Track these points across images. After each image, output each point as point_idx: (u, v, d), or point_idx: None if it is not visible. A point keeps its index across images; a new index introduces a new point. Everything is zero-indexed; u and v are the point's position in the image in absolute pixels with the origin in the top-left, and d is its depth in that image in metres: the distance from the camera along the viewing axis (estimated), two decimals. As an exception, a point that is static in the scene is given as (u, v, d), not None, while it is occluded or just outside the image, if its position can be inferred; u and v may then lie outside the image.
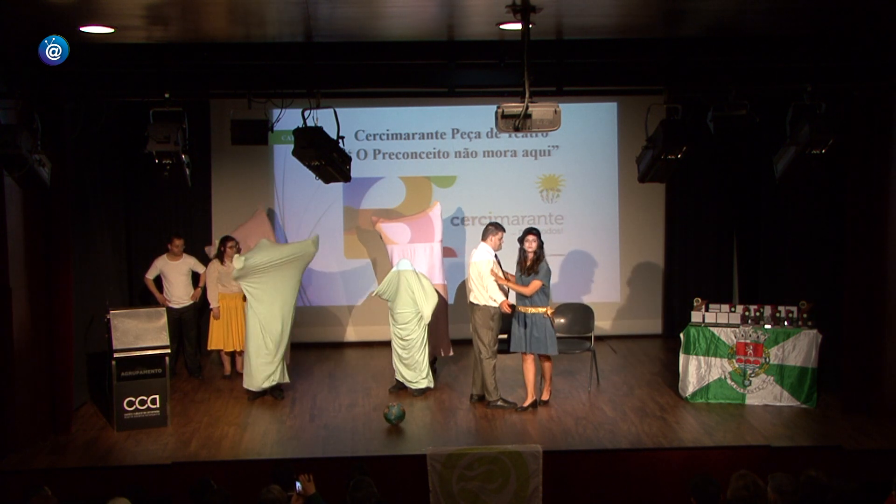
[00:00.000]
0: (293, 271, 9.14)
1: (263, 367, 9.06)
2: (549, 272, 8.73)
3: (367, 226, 11.19)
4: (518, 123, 6.51)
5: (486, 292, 8.80)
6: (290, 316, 9.17)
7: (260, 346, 9.04)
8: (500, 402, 8.89)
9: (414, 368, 9.29)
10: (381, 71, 8.24)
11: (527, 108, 6.46)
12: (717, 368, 8.92)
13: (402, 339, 9.26)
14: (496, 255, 8.97)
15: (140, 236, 11.17)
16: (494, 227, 8.98)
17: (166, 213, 11.19)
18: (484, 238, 9.00)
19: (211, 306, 10.02)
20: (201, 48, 7.70)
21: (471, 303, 9.01)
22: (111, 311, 8.60)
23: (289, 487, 5.71)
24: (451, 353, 10.04)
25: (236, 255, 9.14)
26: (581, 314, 9.93)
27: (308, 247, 9.23)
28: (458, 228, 11.73)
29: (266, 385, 9.13)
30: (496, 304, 8.83)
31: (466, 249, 11.71)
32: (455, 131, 11.69)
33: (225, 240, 10.02)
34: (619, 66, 8.25)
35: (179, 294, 10.06)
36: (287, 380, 9.29)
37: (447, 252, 11.45)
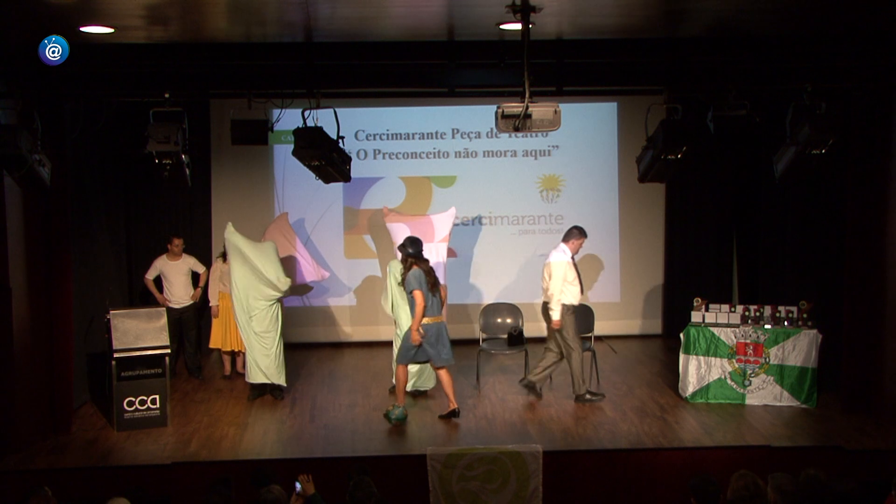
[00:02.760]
0: (259, 291, 9.09)
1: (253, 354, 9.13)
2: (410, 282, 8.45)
3: (378, 219, 11.19)
4: (518, 123, 6.50)
5: (549, 291, 8.82)
6: (265, 319, 9.11)
7: (245, 332, 9.12)
8: (587, 396, 8.95)
9: (416, 369, 9.28)
10: (381, 71, 8.23)
11: (527, 108, 6.46)
12: (717, 368, 8.92)
13: (401, 334, 9.25)
14: (573, 258, 9.01)
15: (140, 236, 11.17)
16: (578, 232, 9.04)
17: (166, 213, 11.20)
18: (566, 240, 9.03)
19: (210, 304, 10.04)
20: (201, 48, 7.70)
21: (544, 300, 9.00)
22: (111, 311, 8.60)
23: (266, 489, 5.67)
24: None
25: (231, 227, 9.19)
26: (581, 314, 9.91)
27: (280, 286, 9.08)
28: (458, 228, 11.70)
29: (263, 379, 9.15)
30: (568, 303, 8.88)
31: (466, 249, 11.73)
32: (455, 131, 11.69)
33: (227, 238, 10.06)
34: (619, 66, 8.25)
35: (179, 294, 10.06)
36: (284, 383, 9.27)
37: (447, 252, 11.46)
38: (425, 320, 8.37)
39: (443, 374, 8.59)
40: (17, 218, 7.90)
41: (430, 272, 8.46)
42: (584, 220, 11.62)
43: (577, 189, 11.76)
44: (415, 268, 8.41)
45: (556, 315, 8.83)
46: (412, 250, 8.49)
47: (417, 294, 8.29)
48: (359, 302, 11.70)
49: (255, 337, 9.07)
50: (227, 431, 8.39)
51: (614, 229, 11.80)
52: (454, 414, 8.53)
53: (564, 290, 8.85)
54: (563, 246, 8.99)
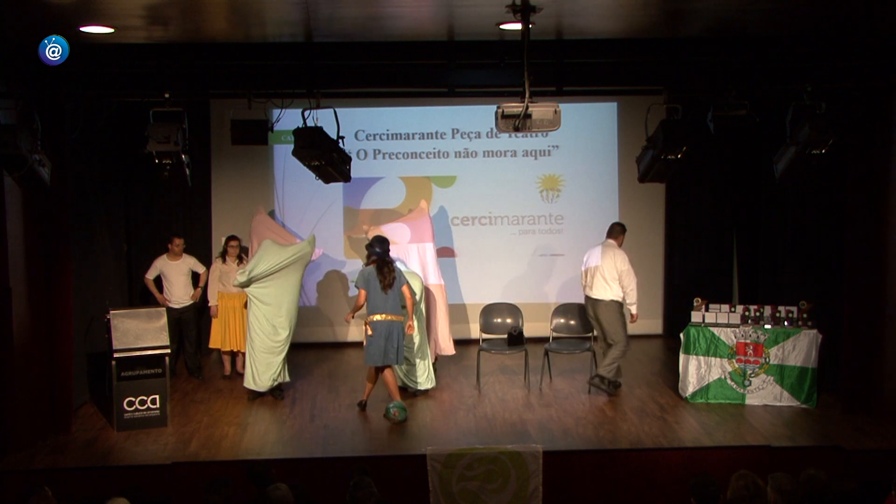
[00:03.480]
0: (295, 273, 9.24)
1: (268, 367, 9.10)
2: (357, 278, 8.76)
3: (359, 233, 11.16)
4: (518, 123, 6.50)
5: (628, 288, 9.12)
6: (294, 316, 9.24)
7: (265, 346, 9.08)
8: (603, 386, 9.16)
9: (416, 369, 9.28)
10: (381, 71, 8.23)
11: (527, 108, 6.46)
12: (717, 368, 8.92)
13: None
14: None
15: (140, 236, 11.17)
16: (622, 227, 9.36)
17: (166, 213, 11.19)
18: (614, 237, 9.27)
19: (209, 304, 10.04)
20: (201, 48, 7.70)
21: (596, 298, 9.19)
22: (111, 311, 8.60)
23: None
24: (454, 353, 10.03)
25: (240, 271, 9.24)
26: (581, 314, 9.93)
27: (305, 247, 9.31)
28: (458, 228, 11.74)
29: (270, 385, 9.17)
30: (620, 300, 9.16)
31: (466, 249, 11.73)
32: (455, 131, 11.69)
33: (228, 239, 10.05)
34: (619, 66, 8.25)
35: (179, 294, 10.06)
36: (287, 378, 9.32)
37: (447, 252, 11.48)
38: (377, 317, 8.52)
39: (386, 373, 8.70)
40: (17, 218, 7.90)
41: (387, 274, 8.56)
42: (584, 220, 11.75)
43: (577, 189, 11.76)
44: (370, 266, 8.61)
45: (636, 308, 9.24)
46: (379, 250, 8.69)
47: (360, 292, 8.57)
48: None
49: (283, 343, 9.12)
50: (227, 431, 8.39)
51: (614, 229, 11.79)
52: (361, 405, 8.90)
53: (614, 287, 9.09)
54: (612, 242, 9.22)
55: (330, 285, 11.64)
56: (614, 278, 9.07)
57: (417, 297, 9.20)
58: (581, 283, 9.44)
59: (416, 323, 9.14)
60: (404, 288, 8.69)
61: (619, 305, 9.17)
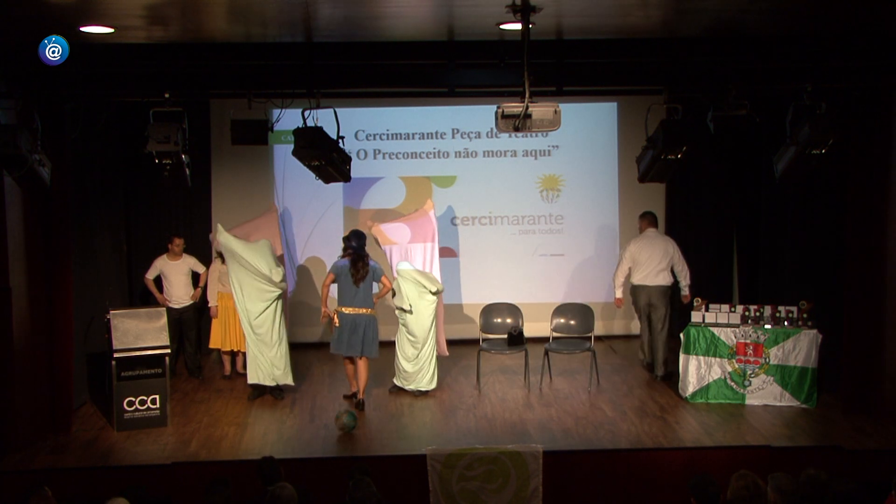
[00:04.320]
0: (258, 292, 9.08)
1: (255, 360, 9.16)
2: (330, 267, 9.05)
3: (363, 230, 11.13)
4: (518, 123, 6.50)
5: (684, 272, 9.79)
6: (266, 309, 9.10)
7: (251, 339, 9.15)
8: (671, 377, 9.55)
9: (422, 368, 9.27)
10: (381, 71, 8.24)
11: (527, 108, 6.46)
12: (718, 368, 8.93)
13: (412, 335, 9.24)
14: None
15: (140, 236, 11.18)
16: (654, 215, 10.02)
17: (166, 213, 11.20)
18: (655, 225, 9.84)
19: (209, 304, 10.04)
20: (201, 48, 7.70)
21: (654, 285, 9.71)
22: (111, 311, 8.61)
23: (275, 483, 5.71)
24: (447, 354, 10.02)
25: (220, 227, 9.25)
26: (581, 314, 9.94)
27: (273, 276, 9.06)
28: (458, 228, 11.74)
29: (265, 380, 9.16)
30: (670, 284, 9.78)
31: (466, 249, 11.73)
32: (455, 131, 11.69)
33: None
34: (619, 66, 8.25)
35: (179, 294, 10.06)
36: (291, 381, 9.31)
37: (448, 252, 11.48)
38: (344, 310, 8.81)
39: (359, 363, 8.92)
40: (17, 218, 7.90)
41: (360, 268, 8.80)
42: (584, 220, 11.76)
43: (577, 189, 11.76)
44: (345, 258, 8.86)
45: (688, 289, 9.85)
46: (355, 244, 8.91)
47: (328, 275, 8.97)
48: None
49: (258, 340, 9.08)
50: (227, 431, 8.39)
51: (614, 229, 11.79)
52: (354, 396, 9.01)
53: (668, 273, 9.71)
54: (654, 231, 9.83)
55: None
56: (668, 265, 9.62)
57: (429, 282, 9.26)
58: (624, 272, 9.83)
59: (431, 321, 9.27)
60: (384, 279, 8.94)
61: (670, 291, 9.73)
